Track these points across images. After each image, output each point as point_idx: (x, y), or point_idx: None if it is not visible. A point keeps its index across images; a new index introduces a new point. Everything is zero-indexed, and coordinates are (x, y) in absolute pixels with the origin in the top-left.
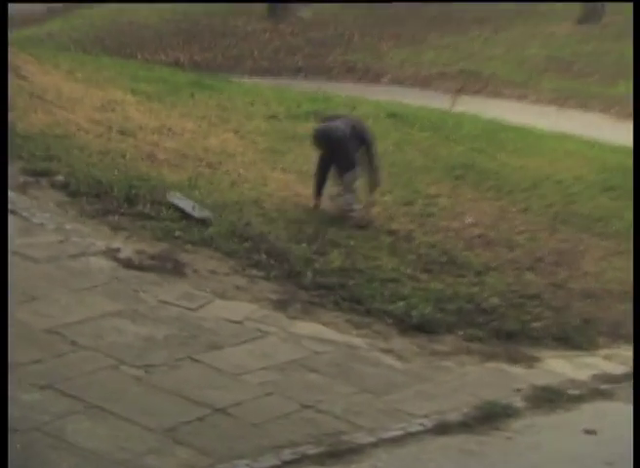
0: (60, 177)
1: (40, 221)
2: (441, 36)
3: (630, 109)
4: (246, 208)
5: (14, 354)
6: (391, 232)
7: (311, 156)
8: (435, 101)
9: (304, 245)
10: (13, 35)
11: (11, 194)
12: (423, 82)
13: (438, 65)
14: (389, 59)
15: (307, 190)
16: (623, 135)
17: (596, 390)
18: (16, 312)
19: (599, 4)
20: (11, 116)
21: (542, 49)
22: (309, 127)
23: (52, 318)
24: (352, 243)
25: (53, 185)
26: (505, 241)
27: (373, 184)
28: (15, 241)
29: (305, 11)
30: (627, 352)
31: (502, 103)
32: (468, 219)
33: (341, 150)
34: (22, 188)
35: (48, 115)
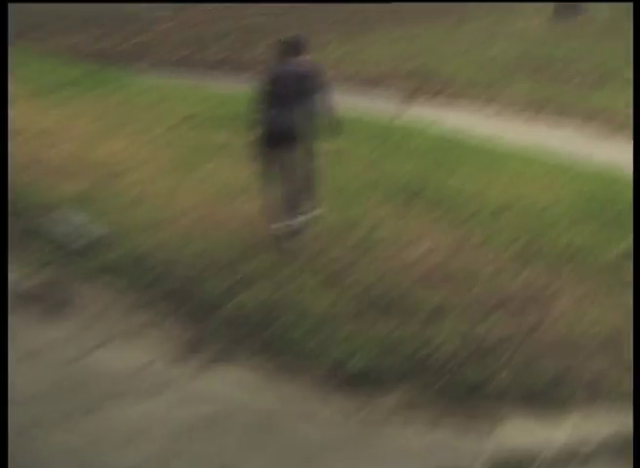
0: None
1: None
2: (390, 29)
3: (616, 122)
4: (152, 229)
5: None
6: (328, 262)
7: (229, 171)
8: (382, 106)
9: (222, 275)
10: None
11: None
12: (368, 82)
13: (386, 63)
14: (327, 55)
15: (227, 208)
16: (606, 152)
17: (571, 456)
18: None
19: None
20: None
21: (512, 47)
22: (234, 133)
23: None
24: (281, 274)
25: None
26: (464, 276)
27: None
28: None
29: None
30: (608, 412)
31: (463, 111)
32: (420, 250)
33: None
34: None
35: None
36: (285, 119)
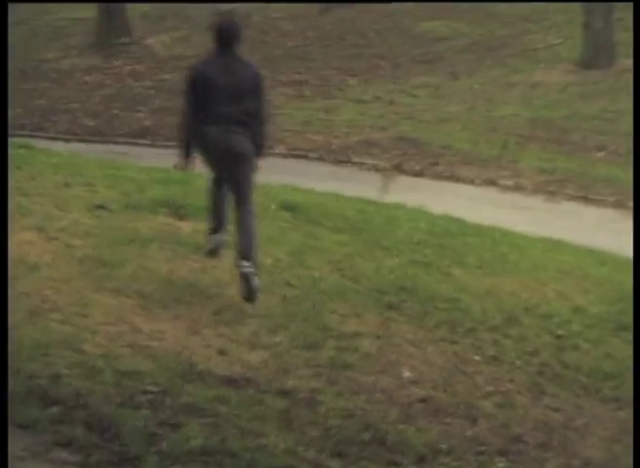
0: None
1: None
2: (367, 83)
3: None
4: (54, 351)
5: None
6: (285, 392)
7: (161, 270)
8: (357, 186)
9: (146, 411)
10: None
11: None
12: (338, 154)
13: (362, 129)
14: (287, 118)
15: (154, 325)
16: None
17: None
18: None
19: (608, 42)
20: None
21: (524, 106)
22: (157, 223)
23: None
24: (222, 408)
25: None
26: (464, 408)
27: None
28: None
29: (156, 38)
30: None
31: (461, 190)
32: (406, 373)
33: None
34: None
35: None
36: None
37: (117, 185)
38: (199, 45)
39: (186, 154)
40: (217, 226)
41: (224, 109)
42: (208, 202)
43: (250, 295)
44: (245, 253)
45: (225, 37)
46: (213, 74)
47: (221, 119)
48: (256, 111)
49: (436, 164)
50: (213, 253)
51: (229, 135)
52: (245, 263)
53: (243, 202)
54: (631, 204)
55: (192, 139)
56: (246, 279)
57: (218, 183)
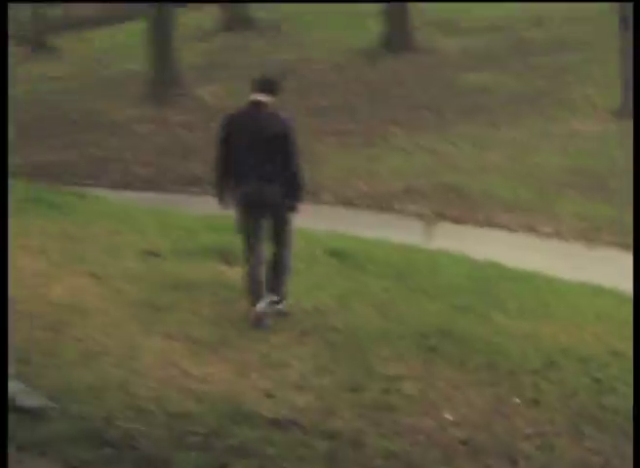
0: None
1: None
2: (410, 133)
3: None
4: (106, 395)
5: None
6: (330, 433)
7: (209, 314)
8: (401, 232)
9: (195, 452)
10: None
11: None
12: (383, 202)
13: (405, 177)
14: (333, 168)
15: (203, 368)
16: None
17: None
18: None
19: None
20: None
21: (562, 155)
22: (207, 269)
23: None
24: (269, 449)
25: None
26: (504, 449)
27: None
28: None
29: (206, 89)
30: None
31: (501, 237)
32: (447, 415)
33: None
34: None
35: None
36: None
37: (167, 232)
38: (248, 96)
39: (221, 198)
40: (256, 294)
41: (254, 158)
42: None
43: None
44: (273, 286)
45: (260, 88)
46: (243, 124)
47: (251, 168)
48: (286, 160)
49: (477, 211)
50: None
51: (259, 183)
52: (274, 297)
53: (277, 242)
54: None
55: (225, 186)
56: (258, 318)
57: (246, 233)
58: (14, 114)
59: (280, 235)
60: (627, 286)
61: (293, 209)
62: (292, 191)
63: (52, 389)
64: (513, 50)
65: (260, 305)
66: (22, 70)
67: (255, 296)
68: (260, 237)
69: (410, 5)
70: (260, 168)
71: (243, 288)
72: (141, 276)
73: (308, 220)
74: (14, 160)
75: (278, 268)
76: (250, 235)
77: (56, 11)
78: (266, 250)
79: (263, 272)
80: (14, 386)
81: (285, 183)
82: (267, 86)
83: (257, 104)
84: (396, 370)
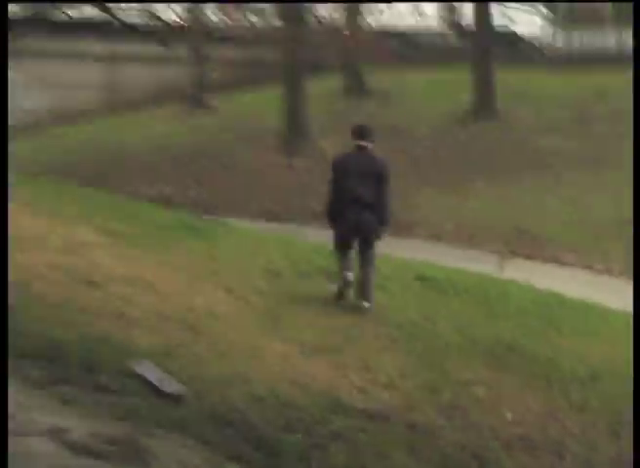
0: (10, 337)
1: None
2: (490, 184)
3: None
4: (231, 385)
5: None
6: (411, 425)
7: (318, 323)
8: (479, 264)
9: (300, 435)
10: None
11: None
12: (466, 239)
13: (485, 220)
14: (426, 209)
15: (310, 367)
16: None
17: None
18: None
19: None
20: None
21: (614, 206)
22: (317, 286)
23: None
24: (361, 435)
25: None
26: (554, 446)
27: None
28: None
29: (326, 141)
30: None
31: (562, 272)
32: (509, 415)
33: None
34: None
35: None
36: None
37: (288, 256)
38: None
39: (331, 222)
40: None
41: (357, 192)
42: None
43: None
44: (365, 295)
45: (360, 136)
46: (348, 164)
47: (354, 200)
48: (380, 194)
49: (544, 249)
50: (342, 291)
51: (360, 212)
52: (365, 304)
53: (366, 260)
54: None
55: (335, 212)
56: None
57: (343, 250)
58: (173, 152)
59: (368, 254)
60: None
61: (380, 235)
62: (381, 220)
63: (190, 380)
64: (577, 119)
65: (364, 304)
66: (184, 122)
67: (346, 288)
68: (352, 253)
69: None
70: (361, 199)
71: (339, 287)
72: (266, 291)
73: (404, 251)
74: (168, 191)
75: (366, 282)
76: (345, 252)
77: (213, 74)
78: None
79: (353, 276)
80: (161, 375)
81: (377, 213)
82: (366, 133)
83: (360, 148)
84: (468, 377)
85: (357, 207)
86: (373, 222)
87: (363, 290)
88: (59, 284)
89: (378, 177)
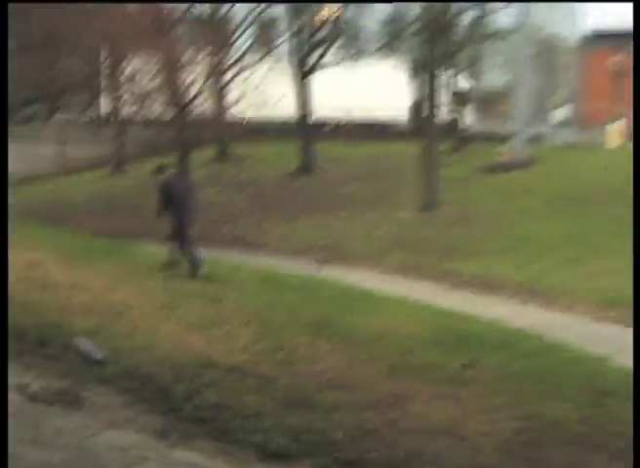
0: None
1: None
2: (313, 216)
3: (458, 280)
4: (139, 353)
5: None
6: (258, 375)
7: (200, 312)
8: (305, 269)
9: (185, 384)
10: None
11: None
12: (296, 253)
13: (309, 239)
14: (270, 234)
15: (192, 339)
16: (452, 302)
17: None
18: None
19: (435, 195)
20: None
21: (391, 230)
22: (198, 287)
23: None
24: (225, 384)
25: None
26: (350, 385)
27: None
28: None
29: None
30: None
31: (359, 272)
32: (321, 366)
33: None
34: None
35: None
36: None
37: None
38: None
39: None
40: None
41: None
42: None
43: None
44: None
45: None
46: None
47: None
48: None
49: (346, 258)
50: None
51: None
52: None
53: None
54: (445, 282)
55: None
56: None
57: None
58: (103, 199)
59: None
60: (424, 300)
61: None
62: None
63: (111, 350)
64: (370, 173)
65: None
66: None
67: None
68: None
69: None
70: None
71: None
72: (164, 289)
73: (256, 262)
74: (101, 225)
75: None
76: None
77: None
78: None
79: None
80: (92, 347)
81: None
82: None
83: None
84: (296, 342)
85: None
86: None
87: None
88: (22, 289)
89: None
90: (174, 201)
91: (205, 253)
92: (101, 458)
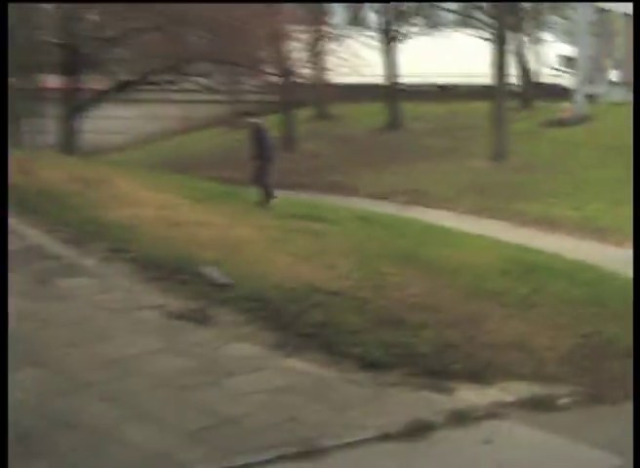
0: (130, 254)
1: (114, 283)
2: (398, 165)
3: (524, 219)
4: (257, 279)
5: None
6: (356, 298)
7: (306, 245)
8: (392, 209)
9: (296, 305)
10: (102, 158)
11: (94, 263)
12: (385, 196)
13: (395, 185)
14: (362, 181)
15: (301, 267)
16: (519, 237)
17: (493, 413)
18: (91, 345)
19: (504, 146)
20: (99, 212)
21: (466, 176)
22: (304, 224)
23: (117, 351)
24: (329, 305)
25: (126, 260)
26: (434, 307)
27: None
28: (96, 297)
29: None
30: (516, 386)
31: (438, 212)
32: (410, 291)
33: None
34: (104, 260)
35: (126, 211)
36: None
37: (291, 207)
38: None
39: None
40: None
41: None
42: None
43: None
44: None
45: None
46: None
47: None
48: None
49: (427, 200)
50: None
51: None
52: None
53: None
54: (513, 220)
55: None
56: None
57: None
58: (220, 152)
59: None
60: (496, 235)
61: None
62: None
63: (235, 276)
64: (445, 128)
65: None
66: (225, 136)
67: None
68: None
69: None
70: None
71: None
72: (279, 226)
73: (351, 204)
74: (224, 174)
75: None
76: None
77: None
78: None
79: None
80: (218, 274)
81: None
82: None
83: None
84: (388, 271)
85: None
86: None
87: None
88: (158, 225)
89: None
90: (260, 149)
91: (305, 196)
92: (228, 366)
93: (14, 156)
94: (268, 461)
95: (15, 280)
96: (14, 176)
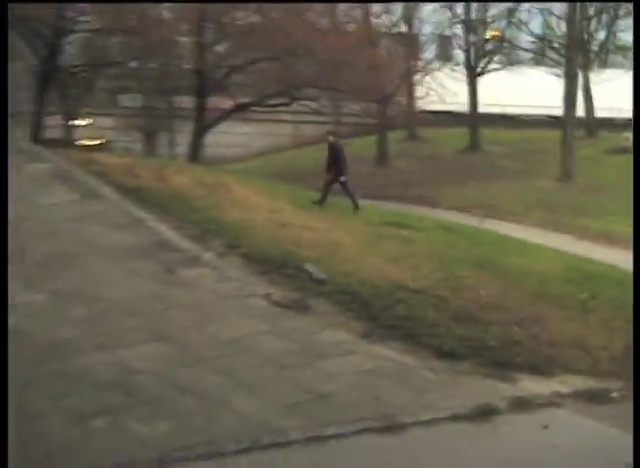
0: (244, 250)
1: (229, 274)
2: (476, 182)
3: (586, 233)
4: (349, 276)
5: (203, 352)
6: (436, 296)
7: (394, 249)
8: (470, 221)
9: (382, 300)
10: (223, 168)
11: (213, 256)
12: (463, 209)
13: (473, 200)
14: (444, 195)
15: (389, 268)
16: (580, 249)
17: (551, 402)
18: (208, 326)
19: (571, 169)
20: (218, 213)
21: (535, 194)
22: (393, 231)
23: (229, 331)
24: (412, 301)
25: (239, 255)
26: (503, 307)
27: None
28: (213, 285)
29: (400, 162)
30: (573, 380)
31: (509, 225)
32: (482, 293)
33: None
34: (221, 254)
35: (241, 213)
36: None
37: (379, 215)
38: None
39: None
40: None
41: None
42: None
43: None
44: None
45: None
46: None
47: None
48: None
49: (500, 214)
50: None
51: None
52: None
53: None
54: (575, 234)
55: None
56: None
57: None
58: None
59: None
60: (560, 247)
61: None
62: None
63: (330, 273)
64: (519, 152)
65: None
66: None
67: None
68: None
69: None
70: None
71: None
72: (368, 232)
73: (434, 215)
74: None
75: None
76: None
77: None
78: None
79: None
80: (316, 270)
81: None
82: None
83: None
84: (464, 274)
85: None
86: None
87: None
88: (267, 226)
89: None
90: (334, 160)
91: (395, 207)
92: (322, 350)
93: (151, 164)
94: (354, 433)
95: (147, 268)
96: (150, 182)
